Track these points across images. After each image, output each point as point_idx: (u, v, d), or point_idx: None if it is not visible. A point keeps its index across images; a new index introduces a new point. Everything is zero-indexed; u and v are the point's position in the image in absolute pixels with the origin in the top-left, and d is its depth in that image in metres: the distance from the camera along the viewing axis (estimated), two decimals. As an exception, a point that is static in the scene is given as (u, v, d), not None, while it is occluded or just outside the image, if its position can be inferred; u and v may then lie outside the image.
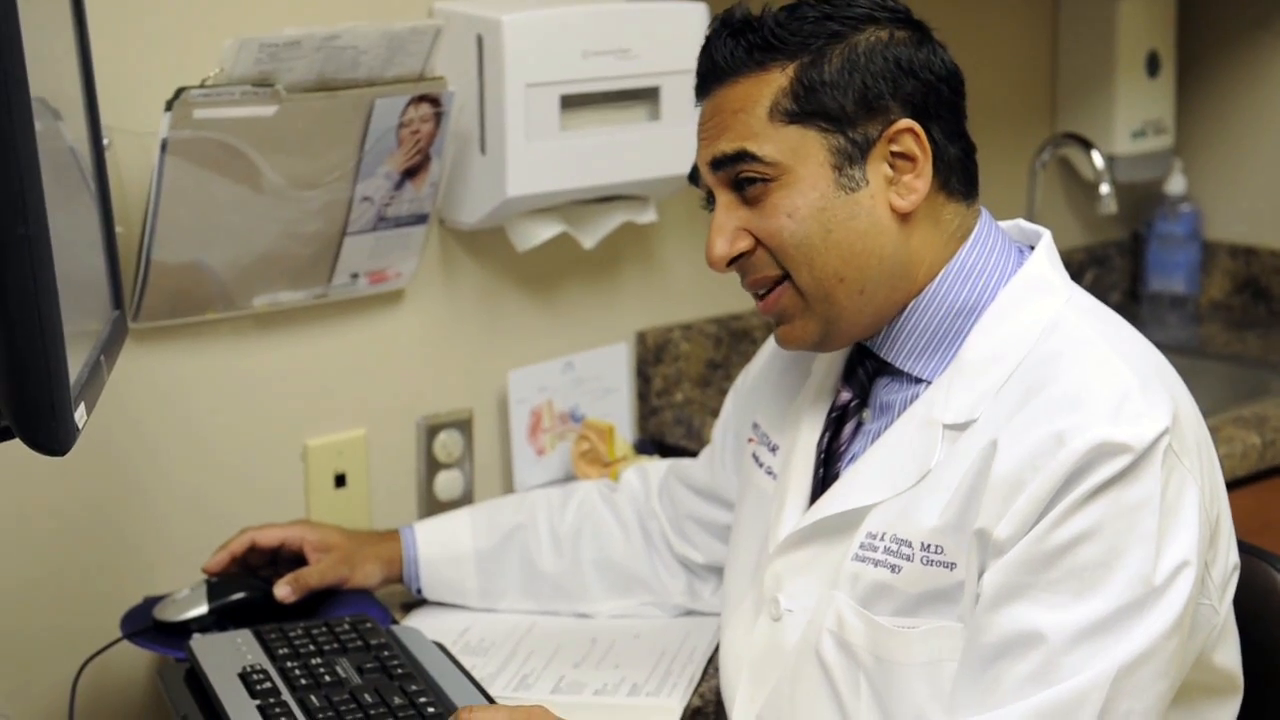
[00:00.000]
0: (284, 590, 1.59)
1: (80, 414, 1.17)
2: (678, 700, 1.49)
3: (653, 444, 2.05)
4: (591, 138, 1.85)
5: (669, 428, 2.06)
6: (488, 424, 1.95)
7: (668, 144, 1.91)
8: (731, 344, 2.15)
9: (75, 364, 1.16)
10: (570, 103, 1.83)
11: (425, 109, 1.73)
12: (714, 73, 1.34)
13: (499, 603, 1.68)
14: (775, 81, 1.30)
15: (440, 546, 1.68)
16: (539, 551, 1.67)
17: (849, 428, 1.38)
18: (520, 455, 1.93)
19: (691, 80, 1.88)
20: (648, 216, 1.97)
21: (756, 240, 1.33)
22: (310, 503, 1.82)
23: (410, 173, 1.77)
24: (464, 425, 1.92)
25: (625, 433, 1.99)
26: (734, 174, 1.32)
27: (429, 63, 1.71)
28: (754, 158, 1.30)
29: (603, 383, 2.00)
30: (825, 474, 1.37)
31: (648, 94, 1.90)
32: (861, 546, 1.29)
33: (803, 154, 1.30)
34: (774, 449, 1.46)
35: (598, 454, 1.91)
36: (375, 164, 1.72)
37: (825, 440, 1.39)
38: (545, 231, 1.89)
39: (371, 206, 1.75)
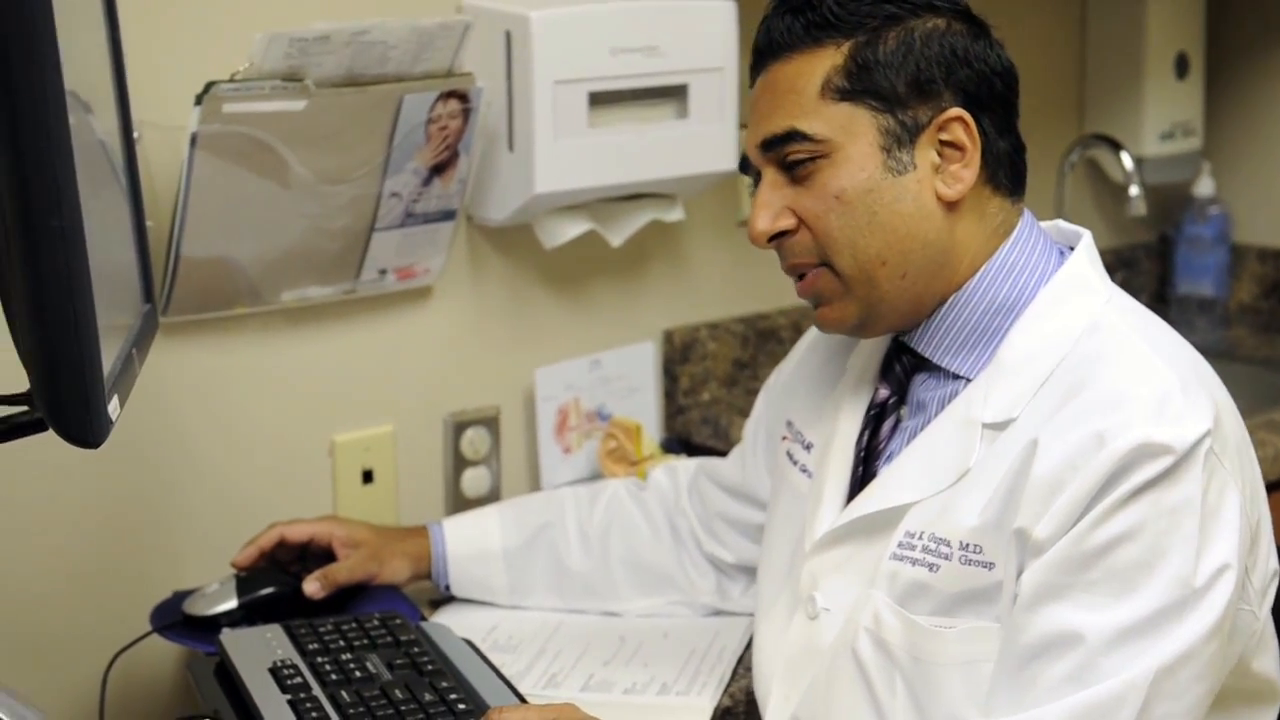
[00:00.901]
0: (313, 586, 1.59)
1: (113, 407, 1.17)
2: (708, 699, 1.49)
3: (679, 443, 2.04)
4: (619, 135, 1.85)
5: (695, 427, 2.05)
6: (515, 421, 1.95)
7: (695, 142, 1.90)
8: (759, 343, 2.14)
9: (108, 357, 1.16)
10: (598, 100, 1.83)
11: (454, 105, 1.73)
12: (770, 49, 1.34)
13: (527, 600, 1.68)
14: (829, 59, 1.30)
15: (469, 543, 1.68)
16: (567, 549, 1.67)
17: (887, 425, 1.38)
18: (547, 453, 1.93)
19: (720, 78, 1.90)
20: (675, 214, 1.97)
21: (800, 220, 1.32)
22: (338, 498, 1.82)
23: (438, 169, 1.76)
24: (491, 422, 1.91)
25: (652, 431, 1.99)
26: (782, 155, 1.32)
27: (457, 59, 1.71)
28: (804, 136, 1.30)
29: (629, 381, 2.00)
30: (864, 472, 1.37)
31: (676, 91, 1.89)
32: (900, 545, 1.29)
33: (852, 132, 1.29)
34: (809, 446, 1.45)
35: (625, 452, 1.90)
36: (404, 160, 1.72)
37: (865, 438, 1.38)
38: (573, 229, 1.89)
39: (400, 202, 1.75)
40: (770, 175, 1.34)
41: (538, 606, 1.68)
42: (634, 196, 1.93)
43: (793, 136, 1.31)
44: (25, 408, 1.22)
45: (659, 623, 1.65)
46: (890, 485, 1.32)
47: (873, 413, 1.39)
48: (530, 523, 1.69)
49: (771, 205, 1.33)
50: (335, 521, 1.66)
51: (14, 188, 1.04)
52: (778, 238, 1.34)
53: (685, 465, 1.71)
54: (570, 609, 1.67)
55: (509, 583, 1.67)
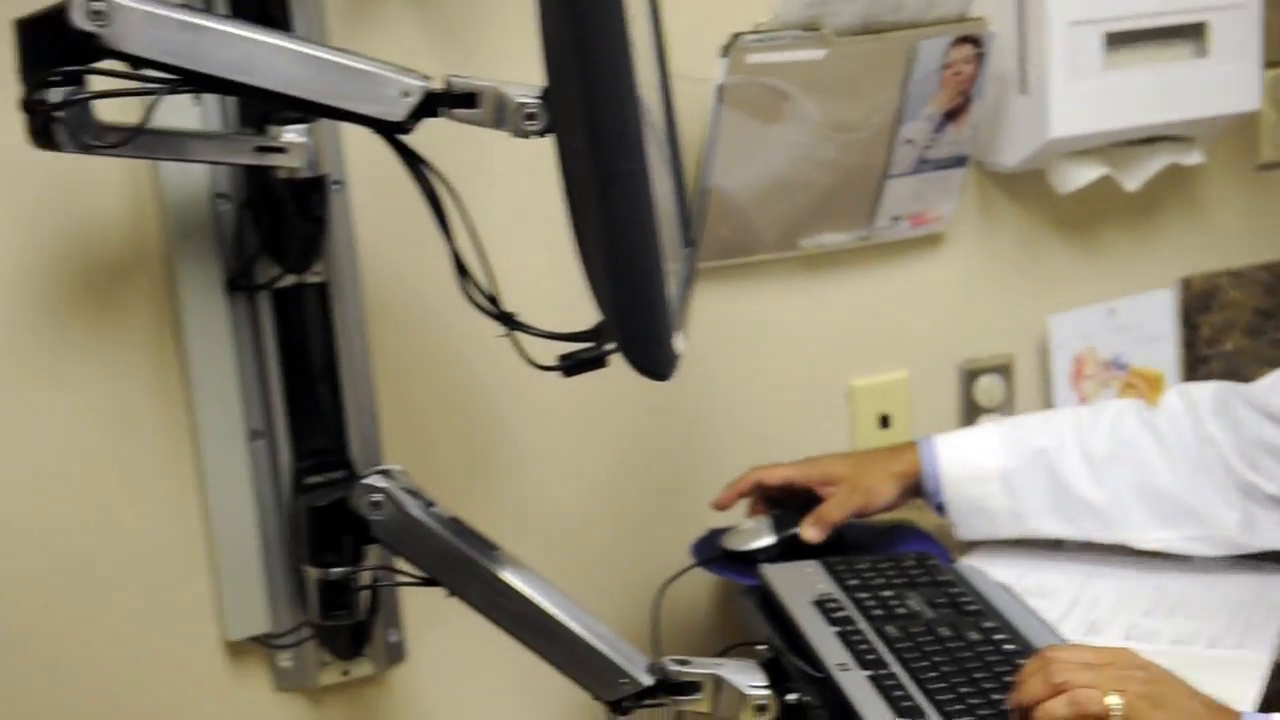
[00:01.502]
0: (811, 531, 1.60)
1: (679, 341, 1.22)
2: (1265, 653, 1.44)
3: (1198, 394, 1.98)
4: (1136, 76, 1.81)
5: (1218, 378, 1.98)
6: (1028, 369, 1.93)
7: (1215, 82, 1.84)
8: (1280, 293, 2.06)
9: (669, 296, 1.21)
10: (1114, 40, 1.79)
11: (967, 50, 1.72)
12: None
13: (1029, 525, 1.62)
14: None
15: (963, 463, 1.64)
16: (1071, 473, 1.60)
17: None
18: (1062, 401, 1.91)
19: (1242, 14, 1.82)
20: (1193, 158, 1.91)
21: None
22: (855, 443, 1.85)
23: (951, 114, 1.77)
24: (1004, 370, 1.91)
25: (1172, 381, 1.94)
26: None
27: (970, 3, 1.70)
28: None
29: (1146, 330, 1.96)
30: None
31: (1194, 30, 1.83)
32: None
33: None
34: None
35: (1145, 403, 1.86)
36: (918, 106, 1.73)
37: None
38: (1087, 173, 1.86)
39: (913, 149, 1.76)
40: None
41: (1040, 533, 1.62)
42: (1149, 140, 1.88)
43: None
44: (590, 344, 1.29)
45: (1196, 577, 1.59)
46: None
47: None
48: (1029, 443, 1.63)
49: None
50: (809, 462, 1.66)
51: (587, 134, 1.10)
52: None
53: (1200, 387, 1.62)
54: (1075, 536, 1.61)
55: (1009, 506, 1.62)
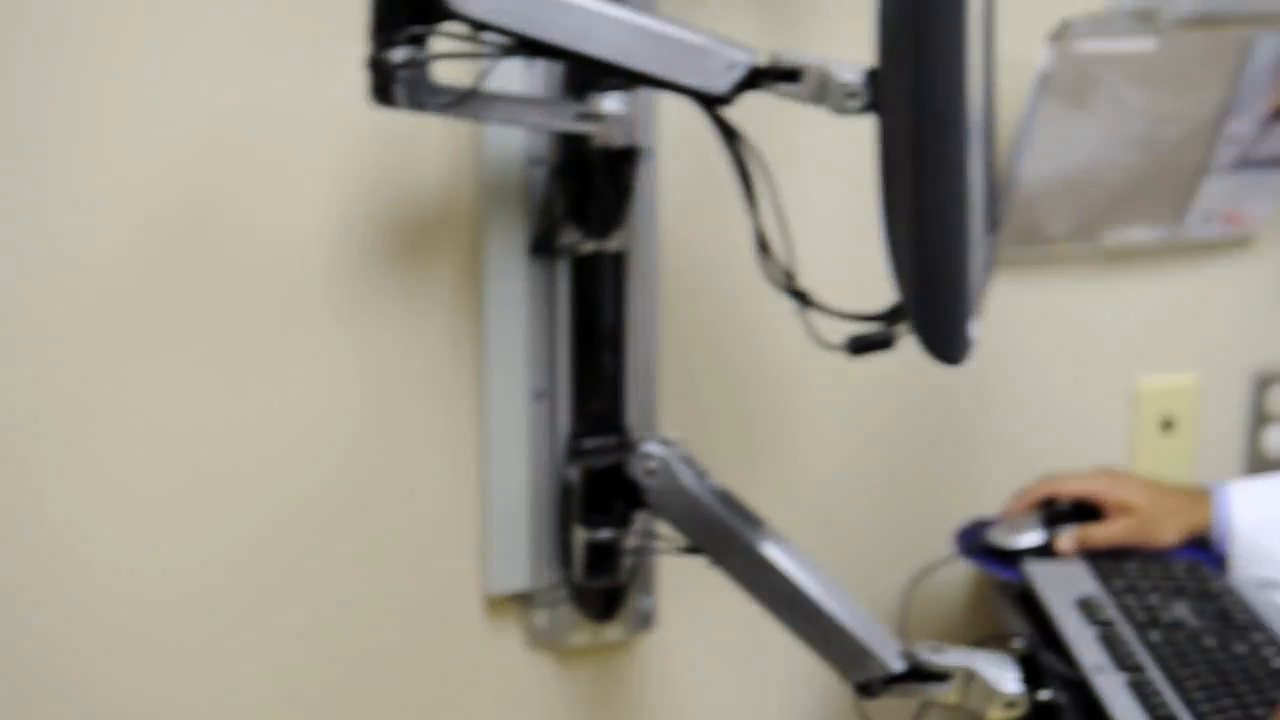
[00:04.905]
0: (1067, 544, 1.62)
1: (975, 327, 1.27)
2: None
3: None
4: None
5: None
6: (1328, 382, 1.91)
7: None
8: None
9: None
10: None
11: (1313, 47, 1.71)
12: None
13: None
14: None
15: (1258, 513, 1.64)
16: None
17: None
18: (1363, 418, 1.89)
19: None
20: None
21: None
22: (1134, 445, 1.86)
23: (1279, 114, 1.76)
24: (1302, 381, 1.90)
25: None
26: None
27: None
28: None
29: None
30: None
31: None
32: None
33: None
34: None
35: None
36: (1247, 103, 1.73)
37: None
38: None
39: (1236, 146, 1.76)
40: None
41: None
42: None
43: None
44: (881, 326, 1.35)
45: None
46: None
47: None
48: None
49: None
50: (1110, 479, 1.67)
51: (911, 113, 1.16)
52: None
53: None
54: None
55: None
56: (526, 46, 1.30)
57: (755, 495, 1.57)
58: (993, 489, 1.78)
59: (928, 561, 1.71)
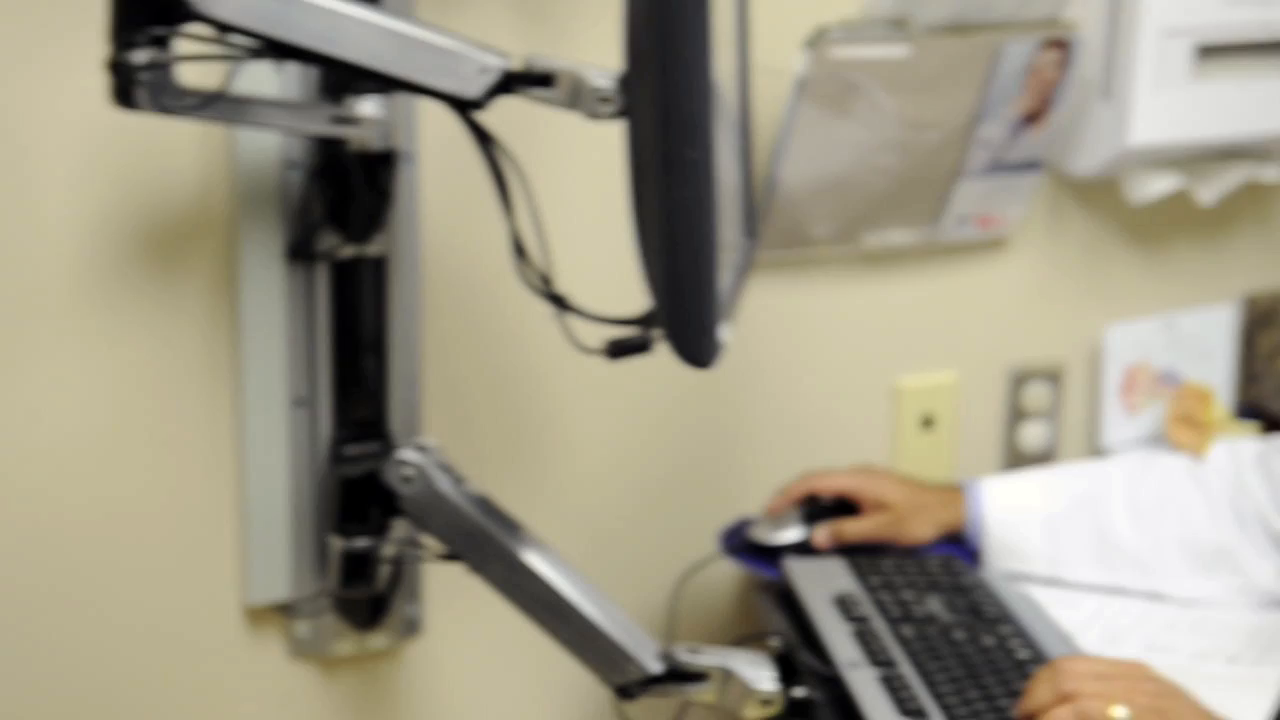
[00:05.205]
0: (822, 536, 1.66)
1: (724, 331, 1.29)
2: (1280, 674, 1.49)
3: (1252, 411, 2.01)
4: (1222, 89, 1.84)
5: (1271, 397, 2.02)
6: (1078, 378, 1.98)
7: (1304, 99, 1.88)
8: (1347, 316, 2.08)
9: (720, 285, 1.27)
10: (1205, 52, 1.82)
11: (1053, 54, 1.76)
12: None
13: (1067, 570, 1.68)
14: None
15: (1007, 510, 1.70)
16: (1114, 521, 1.67)
17: None
18: (1110, 412, 1.96)
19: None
20: (1272, 174, 1.94)
21: None
22: (896, 442, 1.90)
23: (1030, 118, 1.81)
24: (1054, 377, 1.96)
25: (1224, 398, 1.98)
26: None
27: (1061, 6, 1.74)
28: None
29: (1203, 345, 2.00)
30: None
31: (1287, 45, 1.87)
32: None
33: None
34: None
35: (1193, 419, 1.90)
36: (997, 108, 1.77)
37: None
38: (1163, 185, 1.89)
39: (988, 150, 1.81)
40: None
41: (1077, 579, 1.67)
42: (1229, 154, 1.92)
43: None
44: (638, 330, 1.36)
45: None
46: None
47: None
48: (1074, 490, 1.70)
49: None
50: (868, 476, 1.71)
51: (657, 119, 1.17)
52: None
53: (1248, 443, 1.69)
54: (1113, 585, 1.66)
55: (1048, 550, 1.68)
56: (274, 49, 1.29)
57: (523, 498, 1.58)
58: (759, 488, 1.80)
59: (695, 561, 1.72)
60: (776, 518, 1.70)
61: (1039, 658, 1.43)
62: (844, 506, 1.70)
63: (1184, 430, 1.90)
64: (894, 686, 1.39)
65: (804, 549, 1.66)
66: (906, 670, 1.42)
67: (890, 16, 1.67)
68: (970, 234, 1.87)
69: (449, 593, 1.69)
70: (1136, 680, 1.27)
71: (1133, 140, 1.81)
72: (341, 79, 1.40)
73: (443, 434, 1.61)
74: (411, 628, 1.68)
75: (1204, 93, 1.83)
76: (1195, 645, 1.55)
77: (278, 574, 1.60)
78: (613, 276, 1.42)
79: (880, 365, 1.89)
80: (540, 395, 1.72)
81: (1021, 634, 1.49)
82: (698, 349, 1.23)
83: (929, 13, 1.67)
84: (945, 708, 1.36)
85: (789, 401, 1.85)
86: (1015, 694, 1.34)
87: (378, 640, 1.66)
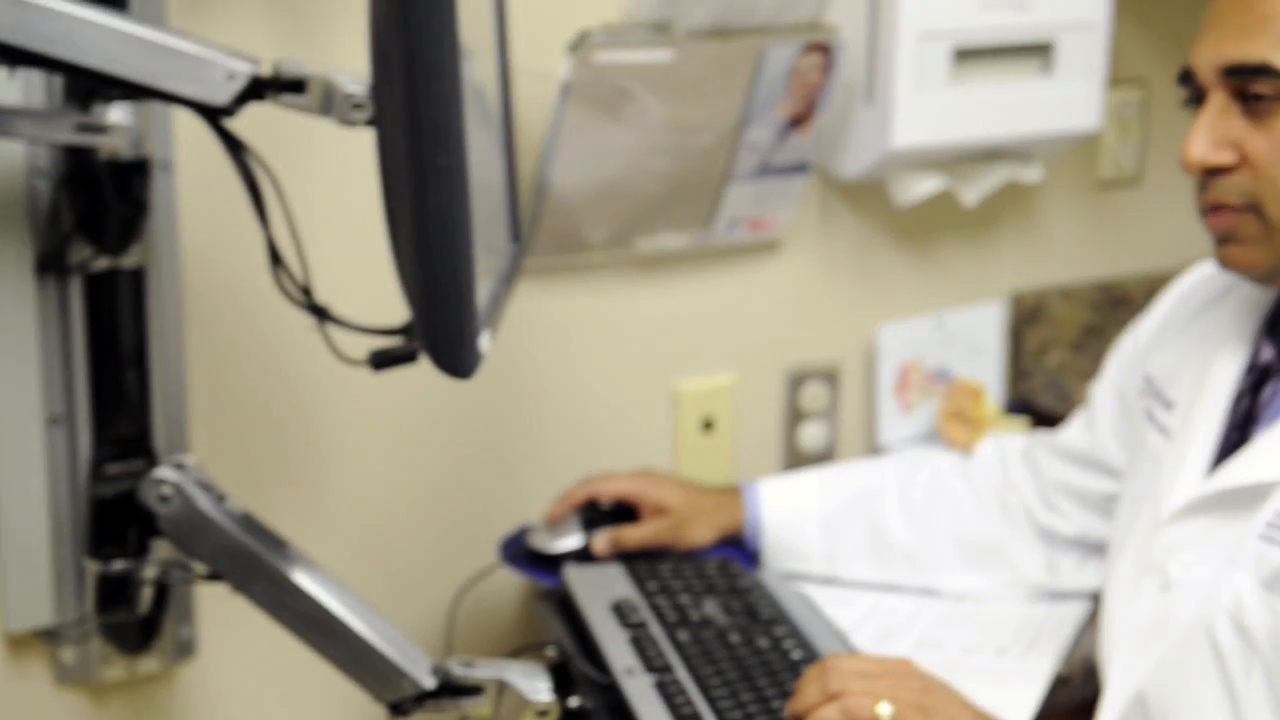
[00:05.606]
0: (601, 544, 1.66)
1: (485, 340, 1.27)
2: (1047, 664, 1.52)
3: (1022, 406, 2.06)
4: (981, 91, 1.88)
5: (1039, 392, 2.08)
6: (854, 377, 2.01)
7: (1060, 100, 1.93)
8: (1110, 310, 2.15)
9: (480, 293, 1.26)
10: (962, 55, 1.86)
11: (816, 58, 1.78)
12: None
13: (842, 568, 1.70)
14: None
15: (783, 511, 1.72)
16: (887, 519, 1.70)
17: (1269, 390, 1.35)
18: (886, 410, 1.99)
19: (1089, 35, 1.89)
20: (1033, 174, 1.99)
21: (1242, 159, 1.29)
22: (678, 445, 1.91)
23: (795, 121, 1.83)
24: (831, 377, 1.98)
25: (994, 394, 2.02)
26: (1244, 86, 1.28)
27: (822, 10, 1.76)
28: (1277, 74, 1.25)
29: (973, 342, 2.04)
30: (1237, 439, 1.35)
31: (1041, 48, 1.91)
32: (1269, 525, 1.27)
33: None
34: (1169, 405, 1.44)
35: (965, 415, 1.94)
36: (762, 111, 1.79)
37: (1245, 404, 1.36)
38: (926, 186, 1.93)
39: (756, 154, 1.82)
40: (1220, 101, 1.29)
41: (853, 577, 1.70)
42: (990, 155, 1.96)
43: (1265, 71, 1.25)
44: (401, 340, 1.34)
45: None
46: (1263, 457, 1.30)
47: (1252, 375, 1.36)
48: (848, 489, 1.72)
49: (1215, 133, 1.29)
50: (647, 480, 1.71)
51: (407, 126, 1.15)
52: (1212, 172, 1.30)
53: (1013, 439, 1.73)
54: (887, 581, 1.69)
55: (824, 549, 1.70)
56: (6, 54, 1.24)
57: (297, 514, 1.54)
58: (542, 495, 1.80)
59: (475, 572, 1.71)
60: (556, 525, 1.69)
61: (812, 657, 1.45)
62: (624, 511, 1.70)
63: (956, 426, 1.94)
64: (669, 692, 1.39)
65: (584, 555, 1.66)
66: (682, 675, 1.42)
67: (652, 20, 1.67)
68: (742, 237, 1.89)
69: (225, 613, 1.65)
70: (902, 677, 1.29)
71: (895, 143, 1.84)
72: (86, 86, 1.35)
73: (209, 449, 1.57)
74: (185, 650, 1.64)
75: (962, 95, 1.87)
76: (966, 639, 1.58)
77: (39, 599, 1.54)
78: (378, 286, 1.40)
79: (659, 369, 1.90)
80: (310, 407, 1.69)
81: (796, 634, 1.50)
82: (456, 359, 1.22)
83: (691, 17, 1.68)
84: (719, 711, 1.37)
85: (569, 407, 1.84)
86: (788, 694, 1.35)
87: (149, 664, 1.61)
